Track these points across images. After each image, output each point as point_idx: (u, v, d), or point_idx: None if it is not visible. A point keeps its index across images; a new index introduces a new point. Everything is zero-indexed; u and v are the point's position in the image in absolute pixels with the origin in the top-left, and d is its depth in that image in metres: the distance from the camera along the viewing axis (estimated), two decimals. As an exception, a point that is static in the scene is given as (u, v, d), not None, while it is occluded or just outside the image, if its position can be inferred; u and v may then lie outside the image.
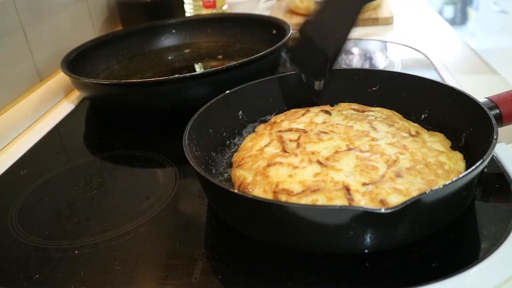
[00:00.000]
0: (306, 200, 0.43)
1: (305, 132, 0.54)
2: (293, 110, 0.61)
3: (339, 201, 0.42)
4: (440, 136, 0.53)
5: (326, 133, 0.53)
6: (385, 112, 0.58)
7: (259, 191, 0.45)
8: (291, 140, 0.53)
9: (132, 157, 0.63)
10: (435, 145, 0.51)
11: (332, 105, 0.61)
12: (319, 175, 0.45)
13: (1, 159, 0.65)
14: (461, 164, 0.48)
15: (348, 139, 0.51)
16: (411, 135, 0.52)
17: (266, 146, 0.53)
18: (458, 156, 0.49)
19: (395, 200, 0.42)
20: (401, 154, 0.48)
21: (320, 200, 0.42)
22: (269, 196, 0.44)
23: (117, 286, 0.41)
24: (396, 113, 0.58)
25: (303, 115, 0.58)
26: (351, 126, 0.54)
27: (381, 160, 0.47)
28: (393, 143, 0.50)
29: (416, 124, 0.56)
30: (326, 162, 0.47)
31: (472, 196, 0.45)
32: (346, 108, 0.60)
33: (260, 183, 0.46)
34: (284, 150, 0.51)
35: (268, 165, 0.48)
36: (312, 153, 0.49)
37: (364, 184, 0.43)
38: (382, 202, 0.41)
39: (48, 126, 0.74)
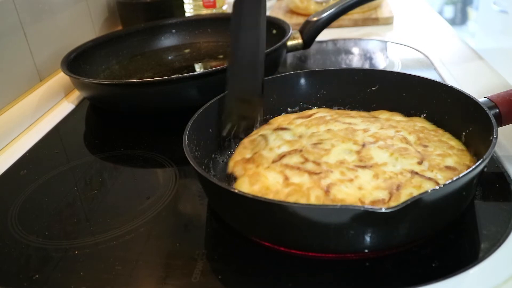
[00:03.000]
0: (407, 198, 0.38)
1: (300, 151, 0.49)
2: (246, 140, 0.55)
3: (429, 184, 0.42)
4: (386, 113, 0.56)
5: (319, 143, 0.49)
6: (325, 109, 0.59)
7: None
8: (302, 163, 0.47)
9: (132, 157, 0.63)
10: (396, 118, 0.55)
11: (267, 122, 0.59)
12: (380, 176, 0.43)
13: (1, 159, 0.65)
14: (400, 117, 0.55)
15: (347, 139, 0.50)
16: (374, 118, 0.54)
17: (287, 179, 0.45)
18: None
19: (453, 162, 0.44)
20: (398, 132, 0.48)
21: (415, 192, 0.41)
22: None
23: (117, 286, 0.41)
24: (329, 109, 0.60)
25: (266, 140, 0.53)
26: (329, 129, 0.52)
27: (397, 141, 0.47)
28: (383, 127, 0.51)
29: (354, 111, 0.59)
30: (366, 164, 0.45)
31: (472, 196, 0.45)
32: (291, 119, 0.56)
33: None
34: (314, 173, 0.45)
35: (327, 191, 0.43)
36: (341, 163, 0.45)
37: (418, 163, 0.43)
38: (452, 169, 0.43)
39: (48, 126, 0.74)
